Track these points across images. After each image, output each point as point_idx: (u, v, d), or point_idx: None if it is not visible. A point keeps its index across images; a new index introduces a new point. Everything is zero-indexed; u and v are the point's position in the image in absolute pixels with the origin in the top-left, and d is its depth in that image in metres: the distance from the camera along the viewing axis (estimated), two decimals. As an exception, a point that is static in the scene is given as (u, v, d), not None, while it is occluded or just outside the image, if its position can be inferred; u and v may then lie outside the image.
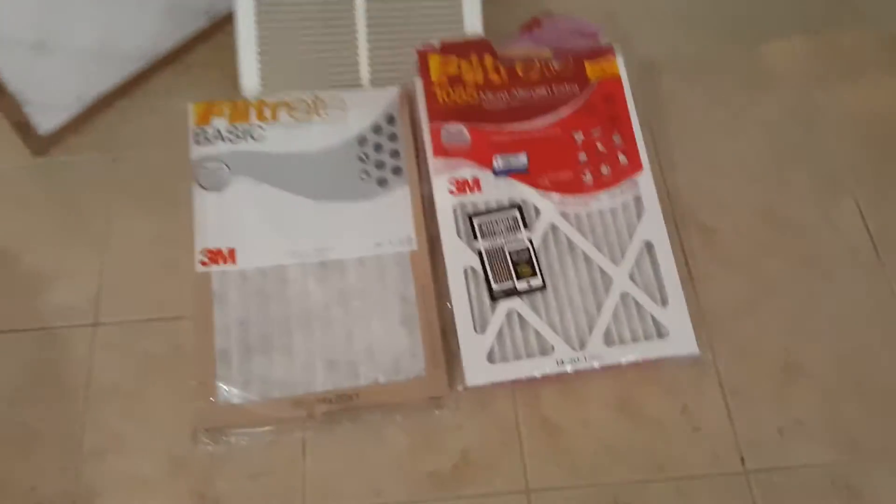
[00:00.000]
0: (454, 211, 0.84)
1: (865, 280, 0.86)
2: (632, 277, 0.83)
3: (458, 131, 0.87)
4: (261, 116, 0.87)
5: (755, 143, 0.95)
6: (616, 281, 0.83)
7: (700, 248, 0.88)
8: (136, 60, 0.94)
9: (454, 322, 0.80)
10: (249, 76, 0.90)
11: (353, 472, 0.75)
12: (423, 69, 0.88)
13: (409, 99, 0.90)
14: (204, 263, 0.81)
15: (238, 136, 0.86)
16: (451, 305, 0.80)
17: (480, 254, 0.82)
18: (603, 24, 0.96)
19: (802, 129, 0.96)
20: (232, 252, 0.82)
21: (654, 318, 0.82)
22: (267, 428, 0.76)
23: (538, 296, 0.82)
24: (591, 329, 0.81)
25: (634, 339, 0.81)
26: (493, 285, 0.81)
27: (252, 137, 0.86)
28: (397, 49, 0.91)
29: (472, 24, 0.93)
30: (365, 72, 0.91)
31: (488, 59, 0.90)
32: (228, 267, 0.81)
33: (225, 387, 0.76)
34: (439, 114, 0.87)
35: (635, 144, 0.88)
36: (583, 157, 0.87)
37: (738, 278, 0.86)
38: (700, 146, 0.94)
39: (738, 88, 0.99)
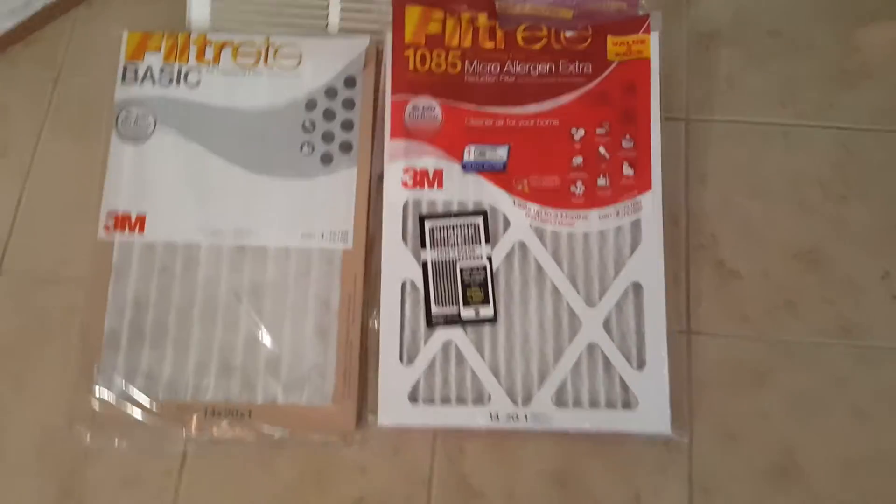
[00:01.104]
0: (405, 208, 0.69)
1: (916, 373, 0.67)
2: (606, 326, 0.66)
3: (428, 108, 0.70)
4: (201, 57, 0.73)
5: (817, 161, 0.73)
6: (586, 327, 0.66)
7: (712, 294, 0.69)
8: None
9: (378, 344, 0.67)
10: (199, 5, 0.75)
11: (231, 499, 0.66)
12: (397, 23, 0.70)
13: (378, 57, 0.73)
14: (107, 229, 0.69)
15: (171, 80, 0.72)
16: (378, 324, 0.67)
17: (425, 266, 0.67)
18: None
19: (891, 149, 0.73)
20: (141, 219, 0.70)
21: (622, 382, 0.65)
22: (146, 431, 0.67)
23: (486, 329, 0.67)
24: (541, 382, 0.66)
25: (593, 404, 0.65)
26: (434, 308, 0.67)
27: (186, 82, 0.72)
28: (380, -11, 0.74)
29: (474, -33, 0.73)
30: (335, 14, 0.74)
31: (482, 18, 0.71)
32: (134, 236, 0.69)
33: (107, 377, 0.66)
34: (407, 84, 0.70)
35: (649, 154, 0.69)
36: (578, 160, 0.69)
37: (750, 342, 0.68)
38: (744, 157, 0.73)
39: (814, 81, 0.76)
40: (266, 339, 0.67)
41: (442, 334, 0.67)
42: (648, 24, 0.70)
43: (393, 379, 0.66)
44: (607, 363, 0.66)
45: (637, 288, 0.67)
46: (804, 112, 0.75)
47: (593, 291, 0.67)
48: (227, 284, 0.68)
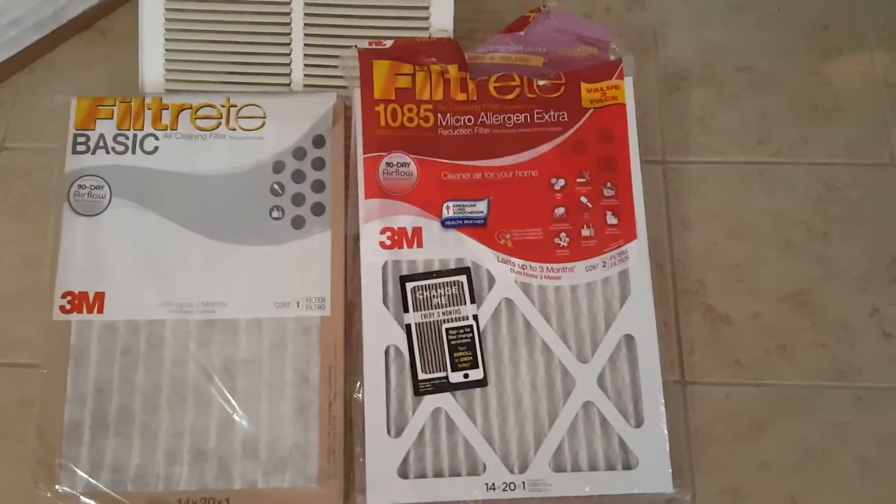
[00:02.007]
0: (384, 270, 0.65)
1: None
2: (601, 382, 0.64)
3: (402, 164, 0.67)
4: (157, 122, 0.69)
5: (797, 198, 0.72)
6: (580, 385, 0.63)
7: (704, 342, 0.68)
8: (38, 25, 0.77)
9: (363, 417, 0.63)
10: (152, 66, 0.71)
11: None
12: (365, 78, 0.68)
13: (347, 113, 0.70)
14: (63, 309, 0.65)
15: (126, 147, 0.68)
16: (362, 395, 0.63)
17: (409, 330, 0.64)
18: (627, 14, 0.74)
19: (868, 183, 0.73)
20: (100, 297, 0.65)
21: (621, 441, 0.63)
22: (115, 528, 0.61)
23: (476, 394, 0.64)
24: (537, 446, 0.62)
25: (592, 467, 0.62)
26: (420, 374, 0.63)
27: (143, 149, 0.68)
28: (344, 43, 0.71)
29: (440, 18, 0.71)
30: (297, 71, 0.71)
31: (452, 70, 0.69)
32: (93, 316, 0.64)
33: (69, 472, 0.61)
34: (379, 141, 0.67)
35: (632, 202, 0.67)
36: (560, 211, 0.67)
37: (745, 390, 0.66)
38: (724, 198, 0.72)
39: (787, 117, 0.75)
40: (241, 419, 0.63)
41: (431, 402, 0.63)
42: (621, 70, 0.69)
43: (381, 454, 0.62)
44: (604, 422, 0.63)
45: (629, 340, 0.64)
46: (780, 150, 0.74)
47: (585, 347, 0.64)
48: (195, 363, 0.64)
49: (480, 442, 0.62)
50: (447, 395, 0.63)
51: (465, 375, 0.64)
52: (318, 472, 0.62)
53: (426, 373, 0.63)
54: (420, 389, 0.63)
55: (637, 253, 0.66)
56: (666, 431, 0.62)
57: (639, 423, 0.63)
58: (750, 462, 0.64)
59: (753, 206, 0.72)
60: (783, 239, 0.70)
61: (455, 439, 0.63)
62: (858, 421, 0.65)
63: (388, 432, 0.62)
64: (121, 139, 0.68)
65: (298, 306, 0.65)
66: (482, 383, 0.63)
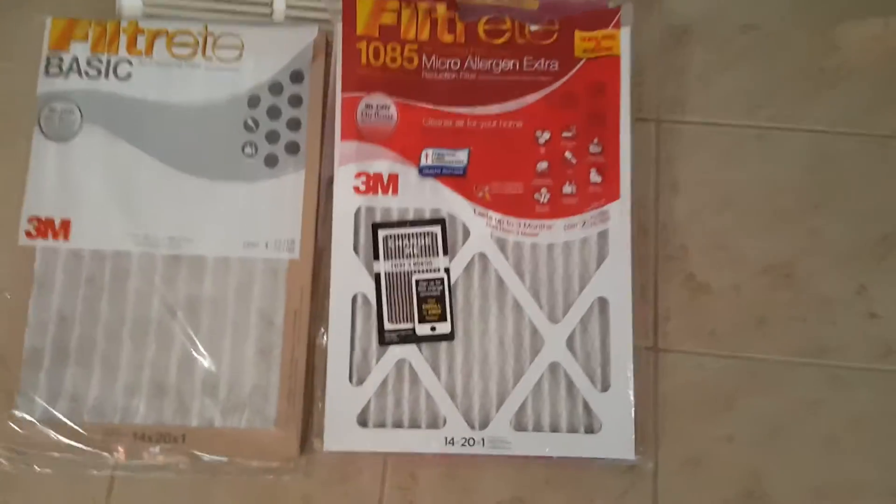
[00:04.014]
0: (357, 216, 0.64)
1: (884, 395, 0.64)
2: (570, 344, 0.62)
3: (382, 106, 0.64)
4: (132, 47, 0.66)
5: (792, 167, 0.69)
6: (548, 345, 0.62)
7: (681, 310, 0.66)
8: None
9: (325, 364, 0.62)
10: (130, -12, 0.68)
11: (164, 531, 0.61)
12: (348, 13, 0.64)
13: (328, 48, 0.67)
14: (29, 235, 0.63)
15: (99, 72, 0.66)
16: (326, 341, 0.62)
17: (378, 279, 0.63)
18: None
19: (868, 155, 0.69)
20: (66, 224, 0.64)
21: (586, 405, 0.62)
22: (71, 456, 0.61)
23: (442, 348, 0.62)
24: (499, 404, 0.61)
25: (554, 428, 0.61)
26: (387, 324, 0.62)
27: (116, 75, 0.66)
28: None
29: (433, -47, 0.68)
30: (280, 1, 0.68)
31: (441, 9, 0.65)
32: (59, 243, 0.63)
33: (27, 398, 0.61)
34: (359, 81, 0.64)
35: (618, 160, 0.64)
36: (543, 166, 0.64)
37: (719, 361, 0.64)
38: (717, 162, 0.69)
39: (791, 81, 0.71)
40: (203, 357, 0.62)
41: (395, 352, 0.62)
42: (619, 18, 0.66)
43: (341, 401, 0.61)
44: (570, 384, 0.62)
45: (603, 303, 0.63)
46: (779, 114, 0.71)
47: (557, 307, 0.63)
48: (160, 298, 0.63)
49: (443, 396, 0.61)
50: (413, 346, 0.62)
51: (433, 328, 0.62)
52: (277, 415, 0.61)
53: (393, 323, 0.62)
54: (385, 339, 0.62)
55: (618, 214, 0.63)
56: (632, 397, 0.61)
57: (605, 388, 0.62)
58: (716, 434, 0.63)
59: (746, 173, 0.69)
60: (772, 208, 0.68)
61: (417, 391, 0.62)
62: (832, 400, 0.63)
63: (350, 380, 0.62)
64: (94, 63, 0.66)
65: (267, 247, 0.64)
66: (449, 337, 0.62)
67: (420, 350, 0.62)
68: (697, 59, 0.72)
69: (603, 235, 0.64)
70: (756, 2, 0.74)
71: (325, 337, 0.62)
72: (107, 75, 0.66)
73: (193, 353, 0.62)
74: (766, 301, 0.66)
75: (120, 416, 0.61)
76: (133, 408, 0.61)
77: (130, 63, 0.66)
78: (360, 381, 0.62)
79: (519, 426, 0.61)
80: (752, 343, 0.65)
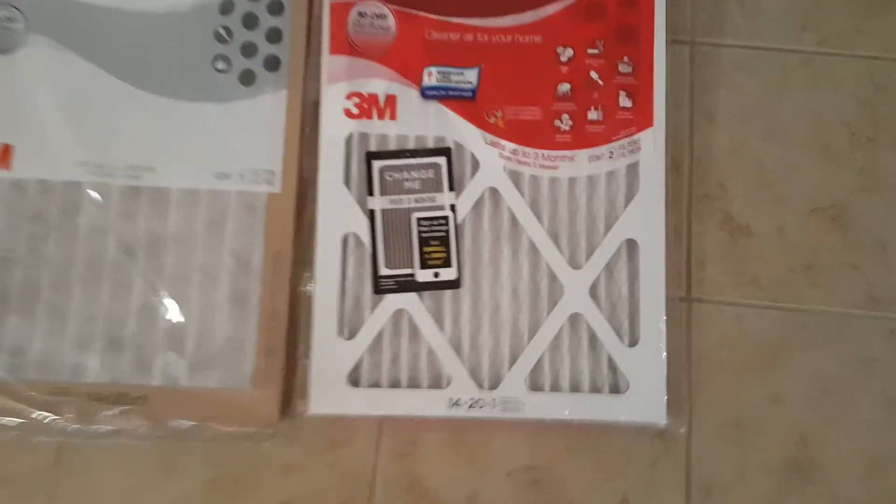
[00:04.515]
0: (348, 143, 0.55)
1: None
2: (594, 292, 0.54)
3: (378, 15, 0.55)
4: (85, -58, 0.57)
5: (842, 97, 0.61)
6: (569, 293, 0.54)
7: (718, 256, 0.58)
8: None
9: (311, 314, 0.54)
10: None
11: (122, 506, 0.53)
12: None
13: (315, -51, 0.58)
14: (-38, 162, 0.54)
15: (45, -29, 0.56)
16: (312, 288, 0.54)
17: (373, 216, 0.54)
18: None
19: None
20: (7, 150, 0.54)
21: (611, 361, 0.54)
22: (12, 420, 0.52)
23: (446, 297, 0.54)
24: (512, 361, 0.53)
25: (574, 388, 0.53)
26: (382, 269, 0.54)
27: (65, -25, 0.56)
28: None
29: None
30: None
31: None
32: (-2, 172, 0.54)
33: (-39, 352, 0.52)
34: (351, -17, 0.55)
35: (651, 82, 0.56)
36: (564, 88, 0.56)
37: (761, 313, 0.57)
38: (758, 91, 0.60)
39: (844, 1, 0.63)
40: (167, 305, 0.53)
41: (392, 302, 0.53)
42: (652, -81, 0.57)
43: (329, 357, 0.53)
44: (593, 338, 0.54)
45: (632, 246, 0.55)
46: (827, 38, 0.62)
47: (579, 250, 0.55)
48: (116, 236, 0.54)
49: (447, 351, 0.53)
50: (412, 295, 0.54)
51: (436, 274, 0.54)
52: (254, 373, 0.52)
53: (390, 268, 0.54)
54: (381, 287, 0.53)
55: (651, 143, 0.55)
56: (664, 354, 0.53)
57: (633, 343, 0.54)
58: (758, 395, 0.55)
59: (791, 103, 0.60)
60: (821, 143, 0.60)
61: (418, 347, 0.54)
62: (889, 357, 0.56)
63: (340, 333, 0.53)
64: (39, -39, 0.56)
65: (243, 179, 0.54)
66: (455, 284, 0.54)
67: (421, 299, 0.54)
68: (735, -25, 0.64)
69: (633, 168, 0.55)
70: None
71: (310, 283, 0.54)
72: (54, -24, 0.56)
73: (155, 300, 0.53)
74: (814, 246, 0.58)
75: (69, 374, 0.52)
76: (85, 364, 0.52)
77: (82, -39, 0.56)
78: (352, 335, 0.53)
79: (534, 385, 0.53)
80: (798, 292, 0.57)
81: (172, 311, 0.53)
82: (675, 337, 0.55)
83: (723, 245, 0.58)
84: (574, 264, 0.54)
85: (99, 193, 0.54)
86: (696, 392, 0.55)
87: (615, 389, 0.53)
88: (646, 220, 0.55)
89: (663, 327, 0.54)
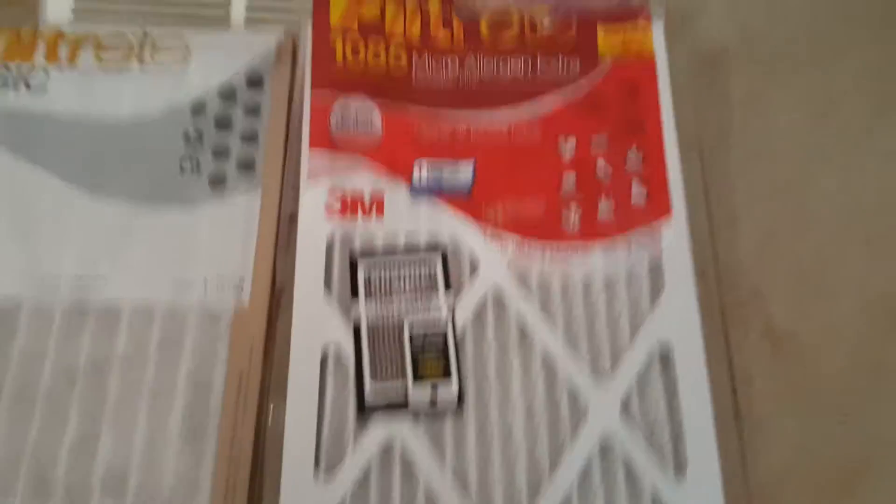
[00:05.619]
0: (329, 245, 0.48)
1: None
2: (626, 410, 0.45)
3: (363, 110, 0.51)
4: (52, 56, 0.53)
5: (877, 190, 0.56)
6: (595, 412, 0.45)
7: (763, 367, 0.49)
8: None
9: (281, 448, 0.44)
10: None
11: None
12: (319, 3, 0.53)
13: (295, 52, 0.54)
14: None
15: (6, 83, 0.53)
16: (283, 417, 0.44)
17: (357, 326, 0.46)
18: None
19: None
20: (-61, 264, 0.48)
21: (655, 497, 0.43)
22: None
23: (447, 420, 0.45)
24: (532, 499, 0.43)
25: (612, 532, 0.43)
26: (369, 383, 0.45)
27: (27, 86, 0.52)
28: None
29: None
30: (239, 6, 0.57)
31: (434, 4, 0.54)
32: (-74, 288, 0.47)
33: None
34: (334, 79, 0.51)
35: (664, 169, 0.50)
36: (570, 181, 0.50)
37: (825, 427, 0.47)
38: (784, 188, 0.56)
39: (856, 96, 0.60)
40: (106, 440, 0.43)
41: (380, 428, 0.44)
42: (648, 13, 0.54)
43: (302, 500, 0.42)
44: (630, 468, 0.44)
45: (665, 351, 0.46)
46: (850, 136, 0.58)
47: (603, 360, 0.46)
48: (55, 361, 0.45)
49: (450, 491, 0.43)
50: (405, 419, 0.44)
51: (433, 391, 0.45)
52: (208, 523, 0.42)
53: (378, 380, 0.45)
54: (366, 406, 0.44)
55: (673, 233, 0.48)
56: (720, 481, 0.43)
57: (680, 470, 0.44)
58: (842, 535, 0.44)
59: (822, 187, 0.55)
60: (866, 225, 0.53)
61: (414, 487, 0.43)
62: None
63: (317, 469, 0.43)
64: (3, 73, 0.53)
65: (206, 287, 0.47)
66: (456, 404, 0.45)
67: (416, 424, 0.44)
68: (737, 77, 0.61)
69: (655, 265, 0.48)
70: (794, 23, 0.64)
71: (281, 409, 0.44)
72: (16, 87, 0.52)
73: (93, 433, 0.43)
74: (872, 351, 0.49)
75: (-19, 529, 0.41)
76: (2, 514, 0.42)
77: (47, 73, 0.53)
78: (331, 472, 0.43)
79: (563, 530, 0.42)
80: (868, 406, 0.48)
81: (111, 445, 0.43)
82: (730, 465, 0.45)
83: (769, 355, 0.49)
84: (598, 377, 0.45)
85: (39, 310, 0.46)
86: (764, 534, 0.44)
87: (663, 532, 0.42)
88: (676, 318, 0.46)
89: (715, 449, 0.44)
